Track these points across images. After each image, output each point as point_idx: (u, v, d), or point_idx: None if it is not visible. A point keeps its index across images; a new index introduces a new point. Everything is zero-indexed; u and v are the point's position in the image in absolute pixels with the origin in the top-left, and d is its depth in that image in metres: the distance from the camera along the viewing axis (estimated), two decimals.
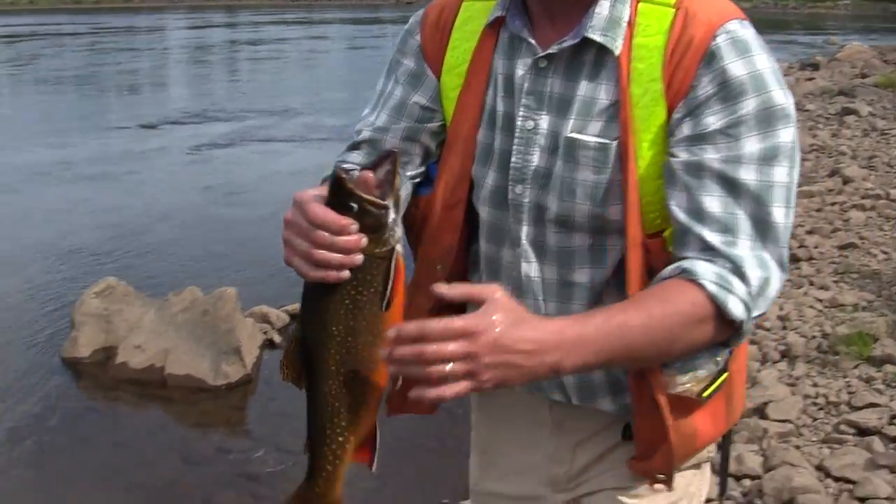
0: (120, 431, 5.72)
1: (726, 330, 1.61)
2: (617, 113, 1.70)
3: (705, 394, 1.76)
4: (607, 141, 1.71)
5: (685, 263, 1.61)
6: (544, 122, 1.77)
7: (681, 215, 1.65)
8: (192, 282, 7.01)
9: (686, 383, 1.74)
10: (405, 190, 1.87)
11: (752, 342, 5.82)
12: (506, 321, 1.46)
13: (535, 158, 1.79)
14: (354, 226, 1.47)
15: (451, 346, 1.42)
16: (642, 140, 1.69)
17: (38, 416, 5.82)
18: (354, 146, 1.99)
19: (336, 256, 1.48)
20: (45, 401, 6.00)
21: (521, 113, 1.80)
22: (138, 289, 7.10)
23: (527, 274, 1.85)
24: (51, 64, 23.54)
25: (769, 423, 4.83)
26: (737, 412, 1.93)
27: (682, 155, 1.65)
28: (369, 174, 1.50)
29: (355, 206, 1.48)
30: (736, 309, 1.58)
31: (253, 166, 12.58)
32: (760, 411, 4.98)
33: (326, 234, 1.47)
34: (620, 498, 1.94)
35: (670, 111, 1.67)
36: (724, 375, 1.78)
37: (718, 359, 1.75)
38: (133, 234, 9.56)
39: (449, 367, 1.41)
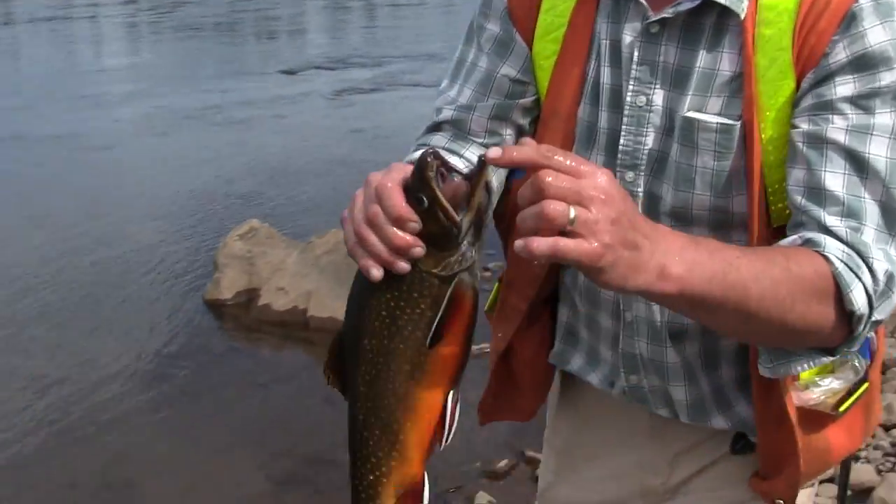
0: (262, 373, 5.72)
1: (840, 326, 1.36)
2: (740, 87, 1.48)
3: (842, 407, 1.56)
4: (730, 122, 1.49)
5: (808, 234, 1.39)
6: (658, 97, 1.54)
7: (797, 196, 1.43)
8: (336, 225, 6.89)
9: (819, 396, 1.54)
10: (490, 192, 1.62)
11: None
12: (625, 192, 1.22)
13: (649, 140, 1.56)
14: (414, 224, 1.22)
15: (587, 187, 1.14)
16: (768, 119, 1.47)
17: (180, 356, 5.88)
18: (435, 127, 1.75)
19: (377, 245, 1.24)
20: (188, 342, 6.06)
21: (630, 87, 1.56)
22: (282, 231, 7.12)
23: None
24: (193, 11, 23.84)
25: None
26: (874, 423, 1.71)
27: (804, 125, 1.44)
28: (462, 183, 1.25)
29: (425, 201, 1.22)
30: (859, 298, 1.33)
31: (399, 111, 12.46)
32: None
33: (381, 213, 1.23)
34: None
35: (798, 83, 1.45)
36: (865, 386, 1.59)
37: (857, 365, 1.55)
38: (278, 176, 9.58)
39: (572, 211, 1.13)
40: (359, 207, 1.26)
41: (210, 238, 7.68)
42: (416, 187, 1.22)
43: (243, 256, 6.62)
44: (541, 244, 1.13)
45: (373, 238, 1.23)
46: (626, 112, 1.56)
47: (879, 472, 4.03)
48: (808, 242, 1.37)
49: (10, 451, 4.90)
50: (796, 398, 1.53)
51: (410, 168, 1.26)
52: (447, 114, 1.73)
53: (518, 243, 1.14)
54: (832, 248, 1.35)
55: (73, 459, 4.84)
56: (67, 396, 5.42)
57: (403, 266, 1.23)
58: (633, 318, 1.66)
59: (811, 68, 1.43)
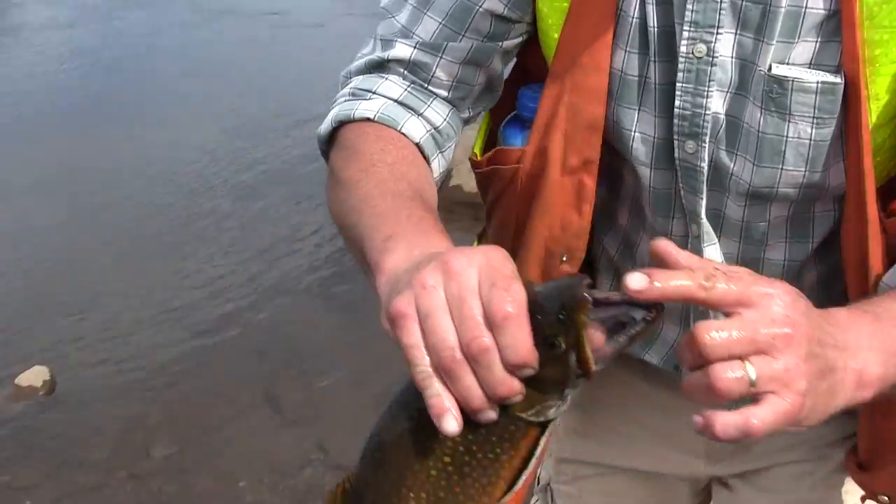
0: None
1: None
2: (836, 29, 1.13)
3: None
4: (833, 79, 1.14)
5: None
6: (724, 45, 1.18)
7: None
8: None
9: None
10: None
11: None
12: (804, 303, 0.91)
13: (713, 103, 1.21)
14: (531, 371, 0.89)
15: (762, 325, 0.86)
16: (878, 73, 1.13)
17: None
18: (381, 66, 1.35)
19: (473, 389, 0.87)
20: None
21: (686, 32, 1.19)
22: None
23: (708, 258, 1.26)
24: None
25: None
26: None
27: None
28: (600, 332, 0.92)
29: (561, 347, 0.91)
30: None
31: None
32: None
33: (494, 350, 0.86)
34: (806, 479, 1.50)
35: None
36: None
37: None
38: None
39: (752, 370, 0.85)
40: (443, 329, 0.87)
41: None
42: (556, 329, 0.90)
43: None
44: (727, 427, 0.85)
45: (469, 379, 0.87)
46: (681, 65, 1.21)
47: None
48: None
49: (204, 320, 5.05)
50: None
51: (511, 270, 0.90)
52: (403, 51, 1.33)
53: (697, 422, 0.87)
54: None
55: (263, 330, 4.95)
56: (256, 270, 5.52)
57: (493, 416, 0.90)
58: None
59: None
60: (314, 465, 4.06)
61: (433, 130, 1.34)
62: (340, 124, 1.33)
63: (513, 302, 0.86)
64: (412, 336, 0.88)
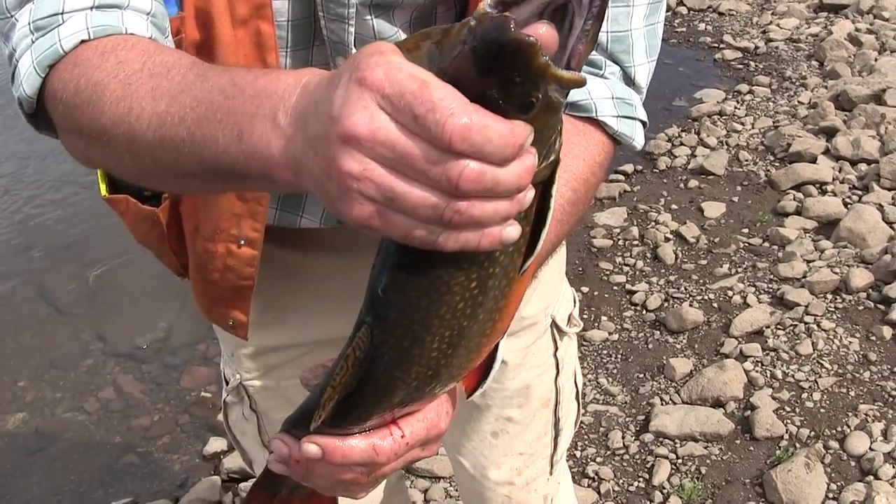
0: None
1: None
2: None
3: None
4: None
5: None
6: None
7: None
8: None
9: None
10: None
11: (869, 32, 5.52)
12: None
13: None
14: (531, 138, 0.73)
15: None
16: None
17: None
18: None
19: (503, 205, 0.73)
20: None
21: None
22: None
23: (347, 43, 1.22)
24: None
25: (887, 109, 4.73)
26: None
27: None
28: (545, 28, 0.73)
29: (538, 102, 0.72)
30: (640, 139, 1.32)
31: None
32: (878, 98, 4.84)
33: (487, 173, 0.71)
34: None
35: None
36: None
37: None
38: None
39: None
40: (406, 189, 0.73)
41: None
42: (524, 94, 0.72)
43: None
44: None
45: (482, 207, 0.73)
46: None
47: (846, 204, 4.19)
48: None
49: None
50: None
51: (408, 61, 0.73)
52: None
53: None
54: (603, 107, 1.27)
55: (28, 220, 4.77)
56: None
57: (518, 229, 0.78)
58: None
59: None
60: (94, 355, 4.01)
61: (150, 17, 1.10)
62: (49, 70, 1.04)
63: (467, 110, 0.70)
64: (368, 214, 0.76)
